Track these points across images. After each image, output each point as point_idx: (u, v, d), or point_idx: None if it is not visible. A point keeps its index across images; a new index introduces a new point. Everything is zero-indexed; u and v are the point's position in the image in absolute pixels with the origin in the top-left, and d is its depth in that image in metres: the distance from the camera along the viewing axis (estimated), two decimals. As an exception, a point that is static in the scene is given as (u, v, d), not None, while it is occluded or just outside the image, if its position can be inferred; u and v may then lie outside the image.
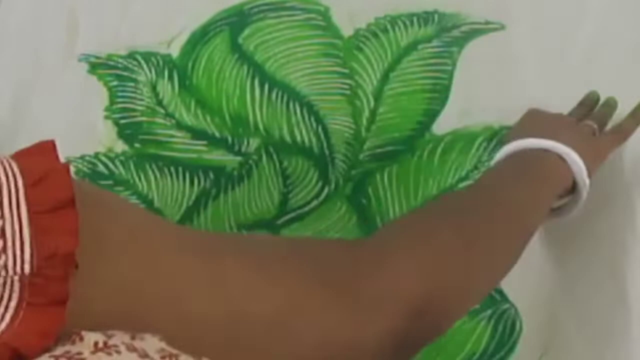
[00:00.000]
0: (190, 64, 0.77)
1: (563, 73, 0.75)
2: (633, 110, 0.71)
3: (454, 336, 0.70)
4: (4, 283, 0.37)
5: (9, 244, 0.38)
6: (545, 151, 0.63)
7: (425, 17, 0.77)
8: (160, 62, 0.78)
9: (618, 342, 0.69)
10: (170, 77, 0.77)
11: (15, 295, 0.38)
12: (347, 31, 0.78)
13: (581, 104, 0.73)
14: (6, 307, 0.37)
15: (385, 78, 0.76)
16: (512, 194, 0.60)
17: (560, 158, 0.63)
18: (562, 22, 0.76)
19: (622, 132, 0.70)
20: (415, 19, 0.77)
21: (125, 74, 0.79)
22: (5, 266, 0.37)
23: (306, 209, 0.74)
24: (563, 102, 0.74)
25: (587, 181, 0.64)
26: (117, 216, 0.44)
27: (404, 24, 0.77)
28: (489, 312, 0.71)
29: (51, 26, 0.80)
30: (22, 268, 0.37)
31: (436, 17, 0.77)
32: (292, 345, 0.47)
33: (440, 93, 0.76)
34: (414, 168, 0.74)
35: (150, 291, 0.43)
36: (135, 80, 0.78)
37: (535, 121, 0.69)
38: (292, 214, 0.74)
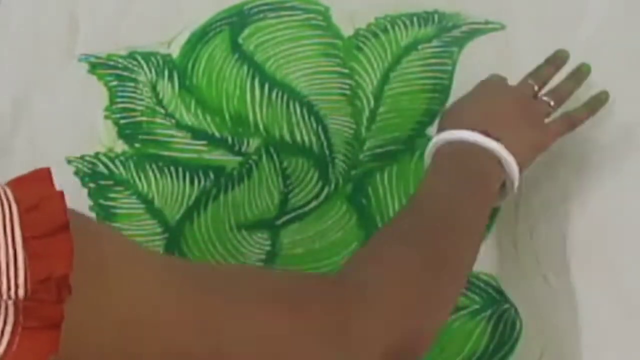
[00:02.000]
0: (190, 64, 0.77)
1: (562, 73, 0.75)
2: (588, 100, 0.71)
3: (454, 336, 0.70)
4: None
5: (3, 268, 0.38)
6: (485, 150, 0.63)
7: (426, 17, 0.78)
8: (160, 62, 0.78)
9: (618, 342, 0.69)
10: (170, 77, 0.77)
11: (10, 320, 0.38)
12: (347, 31, 0.78)
13: (549, 62, 0.71)
14: (2, 332, 0.38)
15: (385, 78, 0.76)
16: (465, 205, 0.61)
17: (499, 161, 0.64)
18: (562, 22, 0.77)
19: (572, 120, 0.69)
20: (415, 19, 0.78)
21: (125, 74, 0.79)
22: (0, 291, 0.37)
23: (306, 209, 0.74)
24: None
25: (516, 184, 0.65)
26: (107, 247, 0.44)
27: (404, 24, 0.77)
28: (489, 312, 0.71)
29: (51, 26, 0.80)
30: (16, 292, 0.38)
31: (436, 17, 0.77)
32: None
33: (440, 93, 0.76)
34: (414, 168, 0.74)
35: (135, 323, 0.43)
36: (135, 80, 0.78)
37: (486, 103, 0.67)
38: (292, 214, 0.74)
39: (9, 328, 0.38)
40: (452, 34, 0.77)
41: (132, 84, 0.78)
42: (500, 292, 0.71)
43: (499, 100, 0.68)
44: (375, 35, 0.77)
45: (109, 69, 0.79)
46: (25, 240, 0.39)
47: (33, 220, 0.39)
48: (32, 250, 0.38)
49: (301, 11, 0.78)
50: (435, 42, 0.77)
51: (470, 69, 0.76)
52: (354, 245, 0.73)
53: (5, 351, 0.37)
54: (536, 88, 0.69)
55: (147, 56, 0.78)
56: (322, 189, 0.74)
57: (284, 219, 0.74)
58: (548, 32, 0.76)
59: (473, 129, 0.63)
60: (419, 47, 0.77)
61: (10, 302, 0.38)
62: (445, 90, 0.76)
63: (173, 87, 0.77)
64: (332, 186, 0.74)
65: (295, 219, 0.74)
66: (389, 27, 0.77)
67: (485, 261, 0.71)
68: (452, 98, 0.75)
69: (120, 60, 0.79)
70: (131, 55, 0.79)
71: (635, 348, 0.68)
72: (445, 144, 0.64)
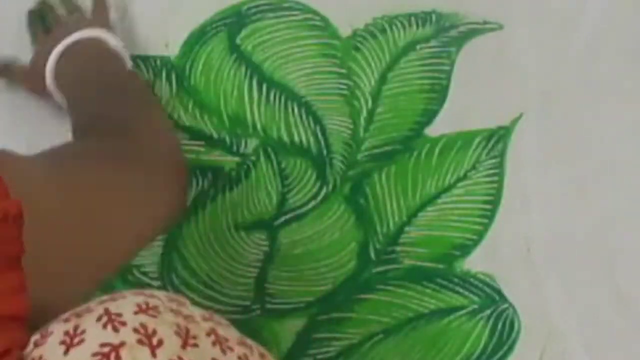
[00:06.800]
0: (188, 65, 0.77)
1: (561, 73, 0.75)
2: None
3: (453, 336, 0.70)
4: None
5: None
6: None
7: (423, 17, 0.78)
8: (159, 63, 0.78)
9: (618, 342, 0.69)
10: (169, 78, 0.77)
11: None
12: (345, 31, 0.77)
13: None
14: None
15: (383, 78, 0.76)
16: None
17: None
18: (561, 22, 0.77)
19: None
20: (413, 19, 0.77)
21: (123, 74, 0.79)
22: None
23: (304, 209, 0.74)
24: (561, 102, 0.74)
25: None
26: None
27: (402, 24, 0.77)
28: (488, 312, 0.71)
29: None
30: None
31: (434, 17, 0.77)
32: None
33: (438, 93, 0.76)
34: (412, 168, 0.74)
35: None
36: (133, 81, 0.78)
37: None
38: (290, 215, 0.74)
39: None
40: (450, 34, 0.77)
41: (130, 85, 0.78)
42: (498, 291, 0.71)
43: None
44: (373, 35, 0.77)
45: (107, 70, 0.79)
46: None
47: None
48: None
49: (299, 11, 0.78)
50: (433, 42, 0.77)
51: (468, 69, 0.76)
52: (352, 245, 0.73)
53: None
54: None
55: (146, 57, 0.78)
56: (320, 189, 0.74)
57: (282, 219, 0.74)
58: (546, 32, 0.76)
59: None
60: (417, 47, 0.77)
61: None
62: (443, 90, 0.76)
63: (171, 87, 0.77)
64: (330, 186, 0.74)
65: (294, 220, 0.74)
66: (386, 27, 0.77)
67: (484, 261, 0.71)
68: (450, 98, 0.75)
69: (118, 61, 0.79)
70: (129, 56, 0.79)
71: (635, 348, 0.68)
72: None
